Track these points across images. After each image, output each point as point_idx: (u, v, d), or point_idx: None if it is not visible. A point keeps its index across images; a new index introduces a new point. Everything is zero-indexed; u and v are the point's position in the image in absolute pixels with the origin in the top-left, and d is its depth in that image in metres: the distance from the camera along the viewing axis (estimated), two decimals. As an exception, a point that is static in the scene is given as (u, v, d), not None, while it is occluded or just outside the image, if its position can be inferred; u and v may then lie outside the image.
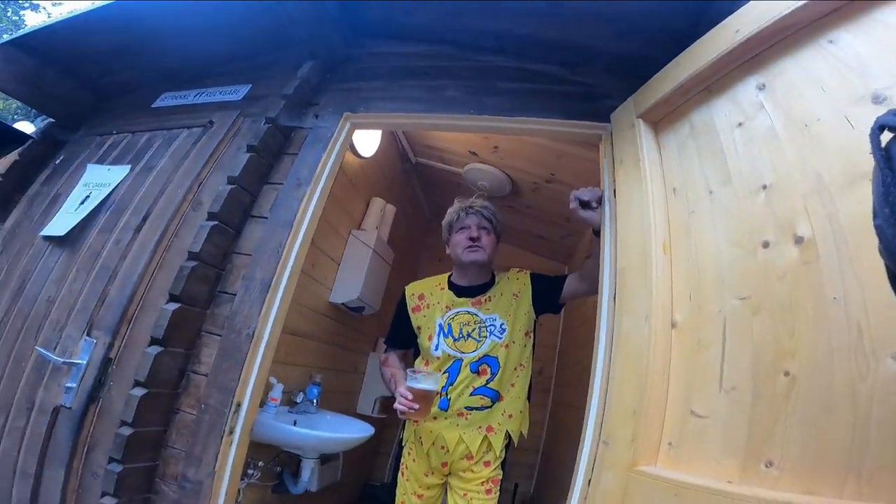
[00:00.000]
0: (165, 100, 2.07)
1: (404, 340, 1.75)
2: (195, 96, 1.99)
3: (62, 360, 1.44)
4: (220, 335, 1.38)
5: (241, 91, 1.89)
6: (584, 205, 1.35)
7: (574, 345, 2.86)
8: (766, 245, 0.79)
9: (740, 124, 0.91)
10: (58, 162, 2.10)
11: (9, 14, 10.93)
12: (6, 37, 2.08)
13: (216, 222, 1.41)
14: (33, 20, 11.36)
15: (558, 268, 3.65)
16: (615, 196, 1.25)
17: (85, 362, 1.42)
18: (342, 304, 2.30)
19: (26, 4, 11.16)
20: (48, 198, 1.94)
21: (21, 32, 2.05)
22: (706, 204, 0.94)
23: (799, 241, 0.73)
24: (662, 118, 1.19)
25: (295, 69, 1.78)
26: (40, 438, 1.41)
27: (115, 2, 1.78)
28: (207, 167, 1.62)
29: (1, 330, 1.69)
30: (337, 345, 2.48)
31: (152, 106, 2.08)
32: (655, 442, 0.84)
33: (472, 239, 1.62)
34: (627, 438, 0.86)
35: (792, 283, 0.73)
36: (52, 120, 2.31)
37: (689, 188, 1.00)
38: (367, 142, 2.32)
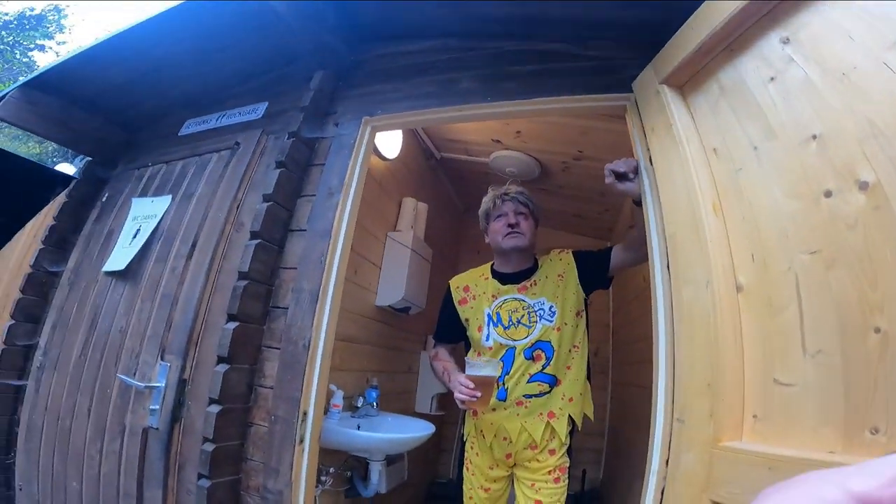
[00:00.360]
0: (190, 127, 2.15)
1: (453, 334, 1.75)
2: (217, 119, 2.05)
3: (143, 384, 1.54)
4: (278, 348, 1.43)
5: (259, 109, 1.94)
6: (620, 177, 1.30)
7: (628, 321, 2.78)
8: (828, 194, 0.74)
9: (772, 79, 0.88)
10: (104, 200, 2.22)
11: (17, 56, 11.24)
12: (22, 79, 2.16)
13: (259, 240, 1.46)
14: (44, 61, 11.54)
15: (600, 245, 3.54)
16: (651, 164, 1.21)
17: (163, 385, 1.51)
18: (388, 306, 2.33)
19: (32, 46, 11.51)
20: (102, 235, 2.06)
21: (36, 73, 2.10)
22: (753, 160, 0.89)
23: (863, 186, 0.68)
24: (687, 81, 1.15)
25: (307, 81, 1.80)
26: (136, 459, 1.52)
27: (117, 33, 1.81)
28: (242, 188, 1.68)
29: (83, 361, 1.83)
30: (388, 347, 2.52)
31: (179, 134, 2.16)
32: (738, 415, 0.80)
33: (510, 225, 1.61)
34: (705, 414, 0.82)
35: (864, 230, 0.67)
36: (90, 159, 2.42)
37: (731, 147, 0.96)
38: (390, 143, 2.33)
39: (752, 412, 0.79)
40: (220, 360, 1.38)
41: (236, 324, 1.38)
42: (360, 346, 2.20)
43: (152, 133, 2.36)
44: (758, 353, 0.79)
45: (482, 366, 1.40)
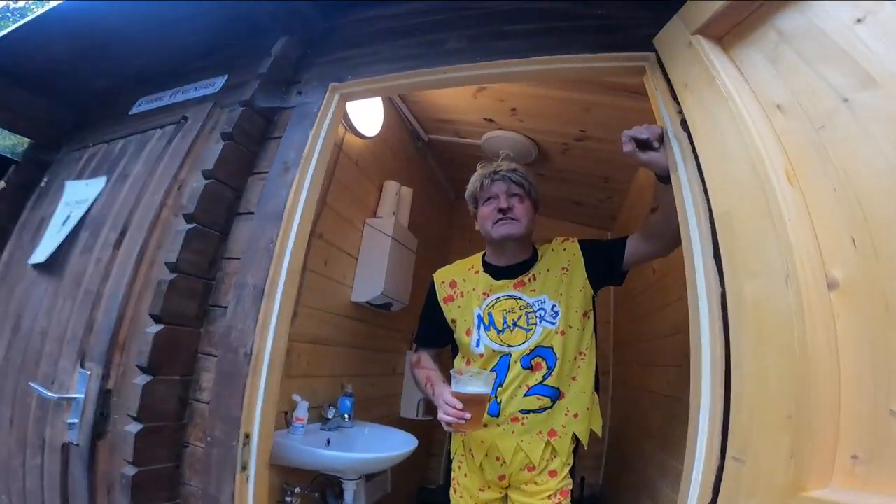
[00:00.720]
0: (142, 105, 1.89)
1: (438, 338, 1.50)
2: (171, 96, 1.79)
3: (56, 395, 1.31)
4: (216, 356, 1.19)
5: (217, 83, 1.67)
6: (642, 145, 1.04)
7: (633, 318, 2.55)
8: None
9: (859, 20, 0.68)
10: (43, 185, 1.96)
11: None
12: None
13: (194, 225, 1.19)
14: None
15: (601, 235, 3.31)
16: (684, 128, 0.96)
17: (82, 396, 1.28)
18: (366, 302, 2.06)
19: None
20: (35, 223, 1.81)
21: None
22: (843, 114, 0.66)
23: None
24: (728, 32, 0.94)
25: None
26: (58, 477, 1.31)
27: (57, 5, 1.59)
28: (185, 167, 1.42)
29: (5, 366, 1.58)
30: (368, 348, 2.26)
31: (130, 113, 1.91)
32: (828, 456, 0.56)
33: (501, 210, 1.34)
34: (782, 454, 0.58)
35: None
36: (32, 142, 2.18)
37: (805, 101, 0.72)
38: (369, 120, 2.06)
39: (851, 451, 0.55)
40: (142, 370, 1.12)
41: (160, 327, 1.12)
42: (332, 349, 1.94)
43: (103, 114, 2.10)
44: (865, 372, 0.55)
45: (471, 380, 1.16)
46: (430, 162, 3.05)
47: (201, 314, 1.23)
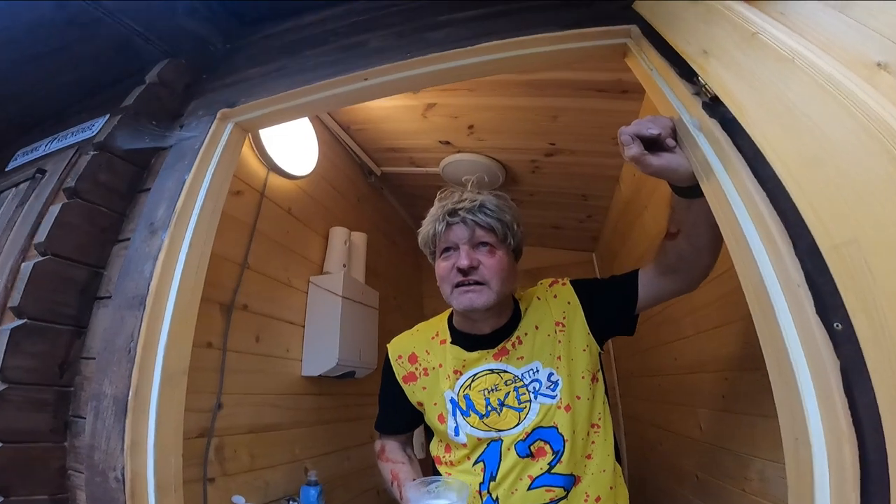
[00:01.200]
0: (18, 158, 1.54)
1: (402, 423, 1.15)
2: (46, 145, 1.44)
3: None
4: (84, 475, 0.84)
5: (96, 125, 1.33)
6: (650, 145, 0.73)
7: (634, 351, 2.23)
8: None
9: None
10: None
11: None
12: None
13: (24, 321, 0.83)
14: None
15: (584, 258, 3.02)
16: (711, 113, 0.66)
17: None
18: (321, 375, 1.68)
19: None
20: None
21: None
22: None
23: None
24: None
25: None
26: None
27: None
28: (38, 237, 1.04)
29: None
30: (335, 421, 1.87)
31: (7, 170, 1.55)
32: None
33: (462, 271, 0.96)
34: None
35: None
36: None
37: None
38: (301, 157, 1.73)
39: None
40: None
41: (-1, 446, 0.77)
42: (285, 433, 1.55)
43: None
44: None
45: (439, 493, 0.84)
46: (388, 199, 2.73)
47: (60, 426, 0.88)
